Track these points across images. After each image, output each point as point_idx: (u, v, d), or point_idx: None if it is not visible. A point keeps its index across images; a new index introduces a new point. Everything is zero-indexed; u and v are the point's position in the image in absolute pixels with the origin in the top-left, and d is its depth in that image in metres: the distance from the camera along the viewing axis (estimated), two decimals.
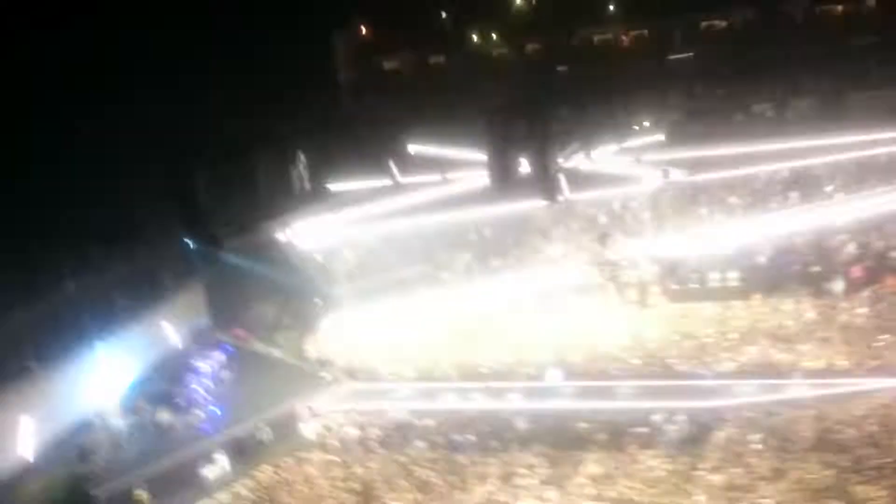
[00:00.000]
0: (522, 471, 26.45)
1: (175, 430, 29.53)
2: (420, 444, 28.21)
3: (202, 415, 30.38)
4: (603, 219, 37.02)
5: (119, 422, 30.12)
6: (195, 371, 32.65)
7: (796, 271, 33.15)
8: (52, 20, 31.69)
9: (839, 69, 37.18)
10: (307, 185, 37.63)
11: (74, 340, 30.57)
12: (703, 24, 40.91)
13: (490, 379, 30.88)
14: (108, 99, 31.97)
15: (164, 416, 29.91)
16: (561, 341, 32.08)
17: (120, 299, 32.22)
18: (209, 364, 33.18)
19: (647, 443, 27.02)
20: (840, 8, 39.90)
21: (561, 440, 27.65)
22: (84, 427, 29.49)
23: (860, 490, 23.49)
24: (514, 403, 29.52)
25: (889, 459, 24.28)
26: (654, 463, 26.15)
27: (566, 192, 36.55)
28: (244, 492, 27.29)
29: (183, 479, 27.34)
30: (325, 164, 37.61)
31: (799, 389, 27.99)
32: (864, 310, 31.22)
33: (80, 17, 31.90)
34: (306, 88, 35.87)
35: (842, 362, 28.94)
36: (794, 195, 35.49)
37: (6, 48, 30.05)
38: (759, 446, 26.10)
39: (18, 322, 28.36)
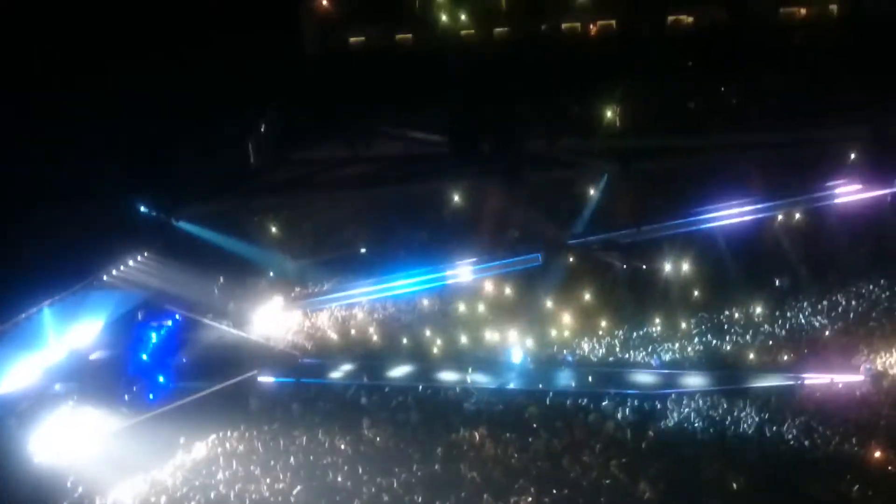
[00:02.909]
0: (466, 449, 26.55)
1: (119, 397, 29.18)
2: (365, 420, 28.16)
3: (148, 383, 30.09)
4: (563, 204, 37.18)
5: (63, 387, 29.75)
6: (143, 339, 32.30)
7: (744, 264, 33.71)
8: None
9: (799, 68, 37.74)
10: (268, 158, 37.26)
11: (20, 303, 30.17)
12: (670, 18, 41.21)
13: (438, 358, 31.04)
14: (67, 59, 31.53)
15: (108, 383, 29.55)
16: (512, 325, 32.21)
17: (69, 264, 31.79)
18: (157, 333, 32.82)
19: (594, 427, 27.33)
20: (803, 11, 40.50)
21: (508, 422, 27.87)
22: (26, 392, 29.11)
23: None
24: (462, 383, 29.70)
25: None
26: (601, 446, 26.44)
27: (526, 174, 36.69)
28: (188, 461, 27.05)
29: (127, 447, 27.06)
30: (286, 134, 37.28)
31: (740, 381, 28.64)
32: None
33: None
34: (269, 58, 35.46)
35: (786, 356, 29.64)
36: (748, 187, 36.04)
37: None
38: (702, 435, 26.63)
39: None
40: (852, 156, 35.78)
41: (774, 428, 26.57)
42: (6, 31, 32.15)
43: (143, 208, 34.94)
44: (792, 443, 26.02)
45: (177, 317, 33.74)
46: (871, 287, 32.04)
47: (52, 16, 32.97)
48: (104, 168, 33.27)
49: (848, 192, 34.61)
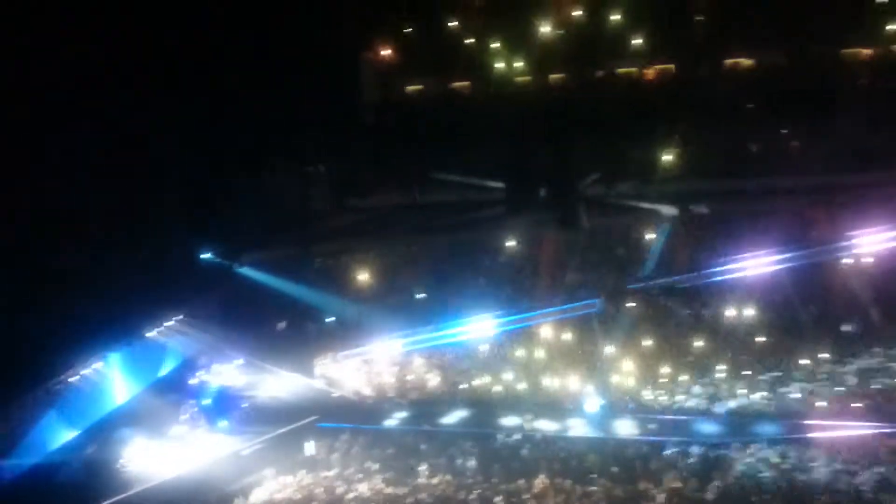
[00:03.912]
0: (526, 498, 26.13)
1: (179, 444, 29.53)
2: (422, 467, 27.96)
3: (209, 428, 30.41)
4: (621, 249, 36.87)
5: (127, 432, 30.26)
6: (204, 385, 32.71)
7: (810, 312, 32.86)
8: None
9: (865, 112, 37.01)
10: (327, 202, 37.75)
11: (86, 350, 30.86)
12: (729, 61, 40.90)
13: (496, 405, 30.78)
14: (125, 104, 32.34)
15: (169, 429, 29.96)
16: (571, 371, 31.80)
17: (133, 310, 32.45)
18: (219, 379, 33.23)
19: (656, 476, 26.70)
20: (868, 52, 39.85)
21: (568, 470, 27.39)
22: (93, 437, 29.66)
23: None
24: (521, 430, 29.37)
25: None
26: (664, 496, 25.80)
27: (585, 222, 36.48)
28: None
29: (191, 491, 27.33)
30: (346, 181, 37.79)
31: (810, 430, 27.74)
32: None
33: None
34: (330, 105, 36.14)
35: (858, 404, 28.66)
36: (811, 233, 35.30)
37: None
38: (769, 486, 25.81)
39: (29, 331, 28.67)
40: None
41: (847, 479, 25.68)
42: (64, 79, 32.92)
43: (204, 255, 35.58)
44: (865, 495, 25.09)
45: (238, 362, 34.13)
46: None
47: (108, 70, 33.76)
48: (166, 216, 34.02)
49: None
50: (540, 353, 33.23)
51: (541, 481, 26.89)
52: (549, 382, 31.77)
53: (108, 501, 26.59)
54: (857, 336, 31.82)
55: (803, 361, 31.06)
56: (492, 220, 37.66)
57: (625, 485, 26.46)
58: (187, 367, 33.50)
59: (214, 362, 33.91)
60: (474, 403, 31.22)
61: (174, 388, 32.43)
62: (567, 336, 33.82)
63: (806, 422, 28.40)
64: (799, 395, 29.79)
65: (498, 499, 26.33)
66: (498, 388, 31.76)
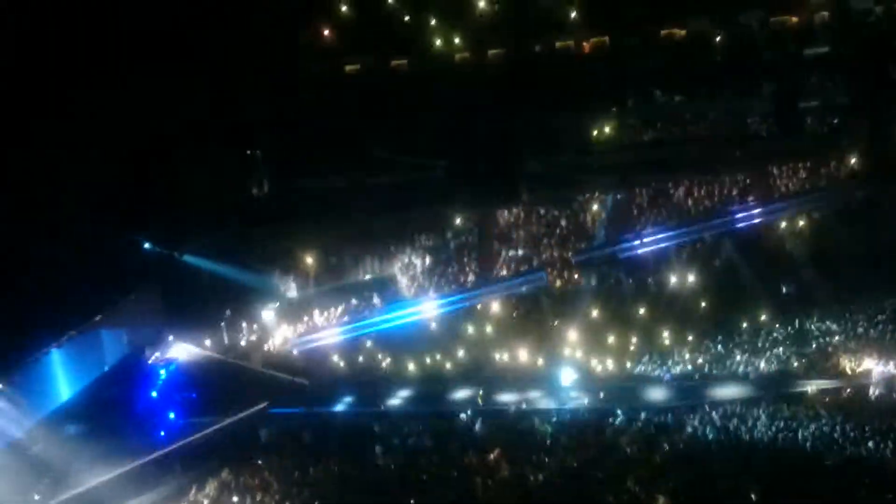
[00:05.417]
0: (481, 472, 26.44)
1: (129, 436, 29.01)
2: (376, 447, 28.04)
3: (158, 421, 29.95)
4: (562, 221, 37.24)
5: (70, 428, 29.60)
6: (151, 376, 32.17)
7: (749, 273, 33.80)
8: None
9: (793, 78, 37.97)
10: (267, 186, 37.28)
11: (25, 345, 30.01)
12: (662, 33, 41.44)
13: (448, 383, 30.99)
14: (61, 86, 31.46)
15: (118, 422, 29.38)
16: (520, 346, 32.14)
17: (72, 303, 31.65)
18: (165, 369, 32.71)
19: (609, 444, 27.28)
20: (794, 20, 40.75)
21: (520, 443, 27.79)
22: (35, 434, 28.93)
23: None
24: (473, 406, 29.64)
25: None
26: (617, 460, 26.39)
27: (526, 195, 36.78)
28: (201, 497, 26.91)
29: (139, 486, 26.93)
30: (286, 164, 37.33)
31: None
32: None
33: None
34: (268, 86, 35.70)
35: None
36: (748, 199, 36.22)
37: None
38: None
39: None
40: (855, 160, 35.82)
41: (789, 435, 26.60)
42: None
43: (145, 244, 34.86)
44: (806, 449, 26.03)
45: (184, 352, 33.61)
46: (879, 291, 32.08)
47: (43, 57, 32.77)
48: (105, 204, 33.17)
49: (849, 198, 34.78)
50: (489, 329, 33.48)
51: (495, 455, 27.19)
52: (499, 358, 32.05)
53: (58, 499, 26.01)
54: (795, 299, 32.80)
55: (743, 325, 31.92)
56: (434, 198, 37.65)
57: (577, 454, 26.91)
58: (133, 359, 32.83)
59: (160, 353, 33.31)
60: (425, 382, 31.34)
61: (120, 381, 31.74)
62: (516, 310, 34.16)
63: (748, 382, 29.27)
64: (740, 358, 30.62)
65: (454, 474, 26.57)
66: (448, 367, 31.89)
